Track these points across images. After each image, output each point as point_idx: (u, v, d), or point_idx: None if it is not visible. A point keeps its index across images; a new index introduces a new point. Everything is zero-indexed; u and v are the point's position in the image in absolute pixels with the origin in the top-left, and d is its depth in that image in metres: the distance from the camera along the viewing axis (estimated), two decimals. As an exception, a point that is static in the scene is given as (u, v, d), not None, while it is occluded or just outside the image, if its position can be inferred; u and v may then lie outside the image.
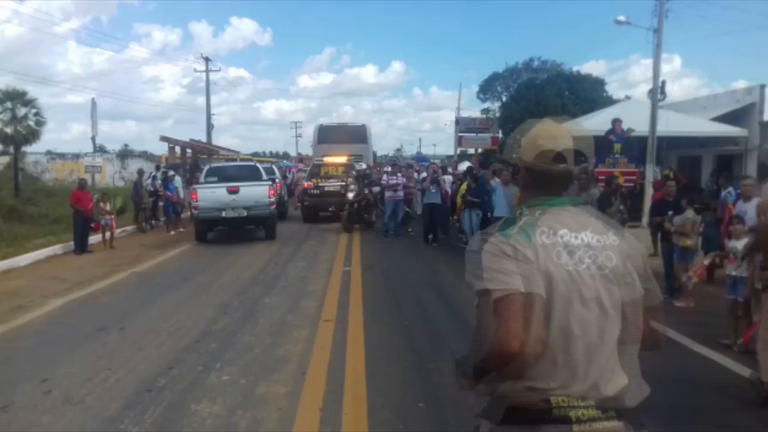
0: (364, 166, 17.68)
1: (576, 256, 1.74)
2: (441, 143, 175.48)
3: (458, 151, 38.97)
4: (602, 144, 12.99)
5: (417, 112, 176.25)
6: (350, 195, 16.03)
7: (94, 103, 17.30)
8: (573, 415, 1.68)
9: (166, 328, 6.73)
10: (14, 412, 4.50)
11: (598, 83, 40.36)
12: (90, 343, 6.27)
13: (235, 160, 36.05)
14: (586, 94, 36.60)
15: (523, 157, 1.92)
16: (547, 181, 1.87)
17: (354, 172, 17.23)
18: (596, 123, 14.76)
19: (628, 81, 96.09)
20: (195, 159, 27.99)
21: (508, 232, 1.77)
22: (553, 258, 1.72)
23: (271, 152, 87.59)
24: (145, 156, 51.26)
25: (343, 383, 5.05)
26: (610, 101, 33.75)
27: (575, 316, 1.70)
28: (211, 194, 13.83)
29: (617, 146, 13.81)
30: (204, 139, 35.11)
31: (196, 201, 13.79)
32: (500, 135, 37.28)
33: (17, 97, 31.51)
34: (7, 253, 12.36)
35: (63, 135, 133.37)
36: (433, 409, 4.53)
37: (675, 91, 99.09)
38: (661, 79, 15.73)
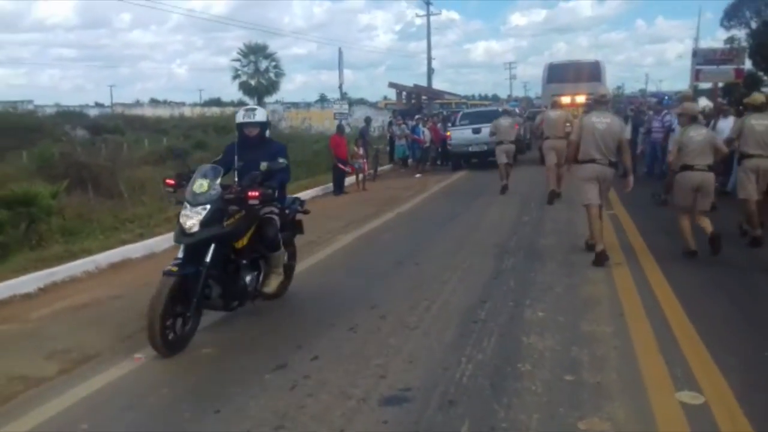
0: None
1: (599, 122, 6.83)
2: (667, 79, 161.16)
3: (692, 86, 35.38)
4: None
5: (638, 45, 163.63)
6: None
7: (340, 52, 18.57)
8: (597, 161, 6.86)
9: (458, 265, 7.01)
10: (362, 333, 4.97)
11: None
12: (395, 276, 6.75)
13: (450, 104, 36.38)
14: None
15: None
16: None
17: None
18: None
19: None
20: (419, 103, 28.71)
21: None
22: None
23: (480, 95, 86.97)
24: (362, 103, 53.71)
25: (668, 325, 4.89)
26: None
27: (595, 136, 6.82)
28: (460, 134, 18.14)
29: None
30: (419, 83, 35.79)
31: (451, 139, 18.41)
32: (747, 66, 33.03)
33: (259, 51, 34.65)
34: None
35: (288, 85, 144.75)
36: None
37: None
38: None
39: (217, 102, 69.33)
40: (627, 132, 12.87)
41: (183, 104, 62.58)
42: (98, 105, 65.30)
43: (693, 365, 4.13)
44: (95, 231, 9.37)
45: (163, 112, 52.84)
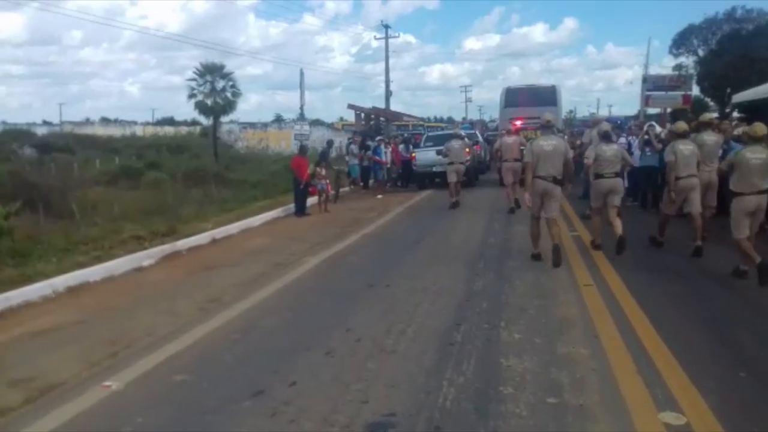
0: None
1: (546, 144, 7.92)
2: (617, 104, 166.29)
3: (642, 111, 36.57)
4: None
5: (589, 71, 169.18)
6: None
7: (302, 73, 18.96)
8: (544, 177, 7.89)
9: (429, 287, 6.98)
10: (339, 358, 4.87)
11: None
12: (366, 298, 6.67)
13: (407, 126, 36.70)
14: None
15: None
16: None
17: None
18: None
19: None
20: (378, 124, 28.84)
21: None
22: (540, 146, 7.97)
23: (435, 117, 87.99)
24: (318, 123, 53.58)
25: (642, 346, 4.95)
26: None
27: (543, 157, 7.89)
28: (425, 155, 18.93)
29: None
30: (375, 104, 35.93)
31: (416, 160, 19.08)
32: (694, 92, 34.38)
33: (216, 70, 34.06)
34: (240, 214, 13.55)
35: (242, 105, 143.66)
36: (758, 380, 4.31)
37: None
38: None
39: (170, 121, 68.16)
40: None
41: (135, 123, 61.37)
42: (46, 123, 63.45)
43: (671, 385, 4.18)
44: (47, 253, 9.00)
45: (115, 131, 51.77)
